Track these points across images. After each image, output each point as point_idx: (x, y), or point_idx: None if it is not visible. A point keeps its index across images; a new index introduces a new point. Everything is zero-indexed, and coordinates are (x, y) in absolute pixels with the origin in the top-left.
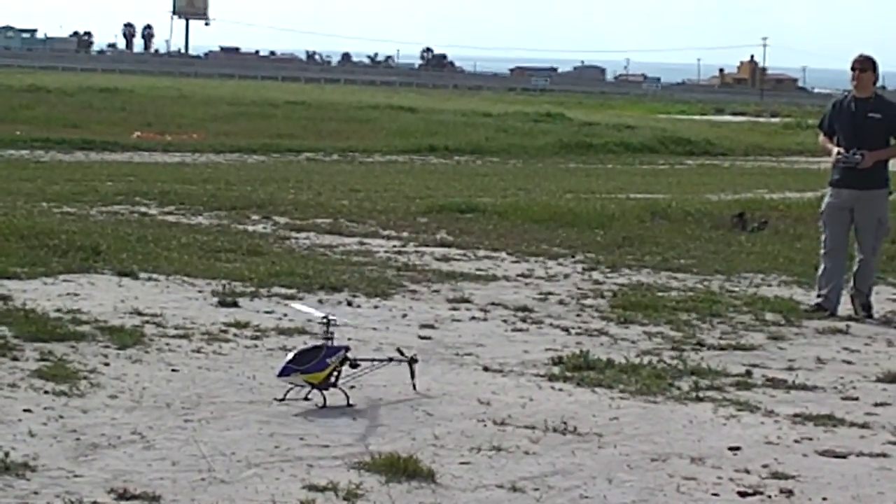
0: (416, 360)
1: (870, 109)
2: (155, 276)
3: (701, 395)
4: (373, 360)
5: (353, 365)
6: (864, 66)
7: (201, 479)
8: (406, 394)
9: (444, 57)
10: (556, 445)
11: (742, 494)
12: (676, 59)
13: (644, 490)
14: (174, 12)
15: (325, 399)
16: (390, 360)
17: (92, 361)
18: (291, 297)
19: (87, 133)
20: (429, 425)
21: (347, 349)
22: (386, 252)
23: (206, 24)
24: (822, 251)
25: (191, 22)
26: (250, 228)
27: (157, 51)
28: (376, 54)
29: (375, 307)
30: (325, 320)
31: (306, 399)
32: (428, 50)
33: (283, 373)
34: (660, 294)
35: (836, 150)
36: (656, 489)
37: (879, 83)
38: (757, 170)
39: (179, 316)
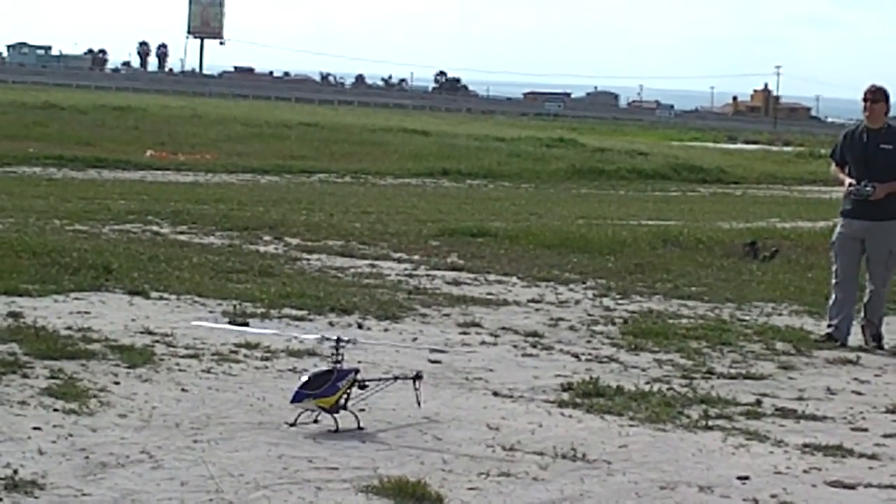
0: (420, 377)
1: (881, 140)
2: (166, 295)
3: (710, 423)
4: (379, 379)
5: (362, 386)
6: (877, 96)
7: (209, 499)
8: (415, 417)
9: (457, 81)
10: (564, 472)
11: None
12: (690, 87)
13: None
14: (189, 32)
15: (337, 423)
16: (396, 378)
17: (102, 380)
18: (302, 319)
19: (100, 151)
20: (438, 450)
21: (357, 371)
22: (397, 275)
23: (221, 43)
24: (833, 281)
25: (205, 41)
26: (262, 249)
27: (171, 70)
28: (390, 77)
29: (386, 330)
30: (336, 343)
31: (316, 422)
32: (442, 73)
33: (296, 398)
34: (670, 321)
35: (847, 181)
36: None
37: (892, 114)
38: (769, 198)
39: (190, 336)
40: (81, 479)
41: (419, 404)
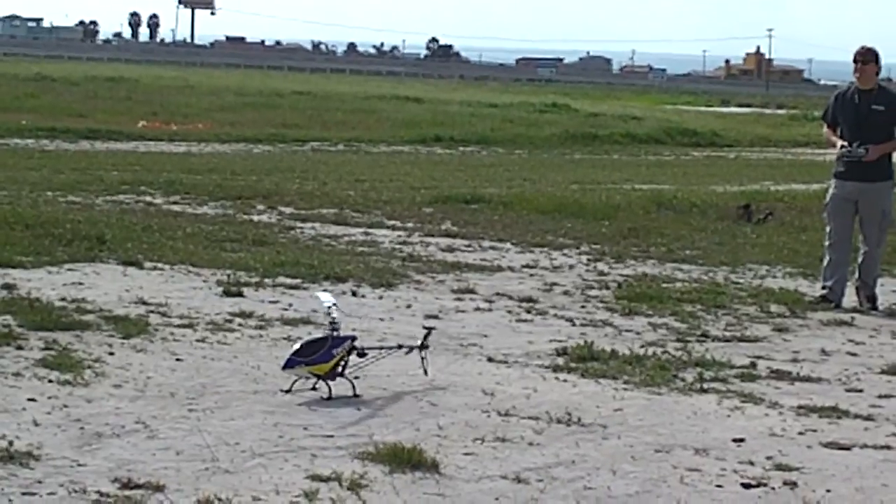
0: (426, 347)
1: (873, 101)
2: (160, 265)
3: (705, 386)
4: (381, 348)
5: (361, 354)
6: (867, 57)
7: (205, 468)
8: (410, 384)
9: (450, 47)
10: (559, 436)
11: (746, 486)
12: (682, 50)
13: (648, 481)
14: (180, 2)
15: (330, 390)
16: (399, 347)
17: (96, 351)
18: (296, 288)
19: (93, 122)
20: (433, 416)
21: (354, 339)
22: (391, 242)
23: (212, 13)
24: (826, 243)
25: (196, 11)
26: (255, 218)
27: (162, 40)
28: (382, 44)
29: (380, 297)
30: (330, 309)
31: (313, 389)
32: (434, 40)
33: (288, 365)
34: (665, 285)
35: (840, 143)
36: (660, 480)
37: (885, 75)
38: (763, 161)
39: (184, 305)
40: (77, 449)
41: (426, 372)
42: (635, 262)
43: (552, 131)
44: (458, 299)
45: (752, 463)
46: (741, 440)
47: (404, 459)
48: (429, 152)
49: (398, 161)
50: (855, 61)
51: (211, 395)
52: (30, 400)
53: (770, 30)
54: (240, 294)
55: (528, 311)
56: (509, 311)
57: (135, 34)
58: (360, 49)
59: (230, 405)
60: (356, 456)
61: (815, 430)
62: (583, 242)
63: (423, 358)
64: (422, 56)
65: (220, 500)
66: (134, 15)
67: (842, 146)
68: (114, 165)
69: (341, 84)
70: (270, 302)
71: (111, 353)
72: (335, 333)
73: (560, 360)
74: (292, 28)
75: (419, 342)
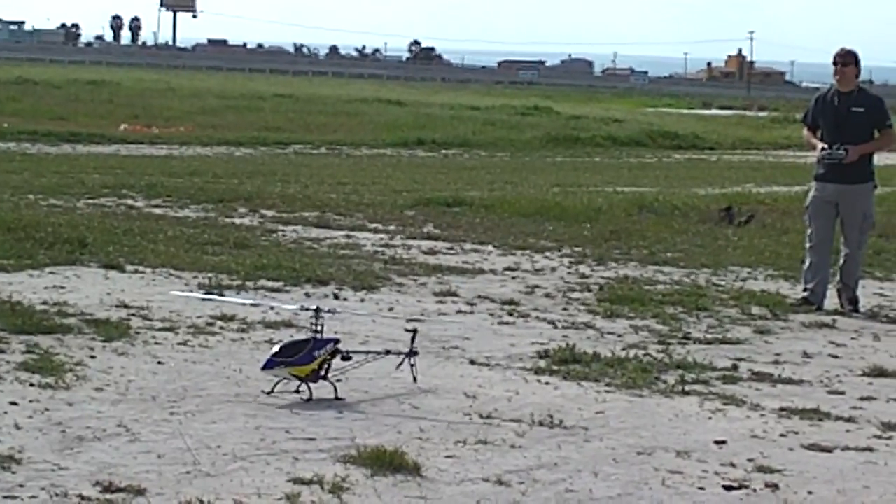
0: (416, 353)
1: (853, 103)
2: (141, 268)
3: (687, 388)
4: (367, 352)
5: (346, 357)
6: (847, 60)
7: (186, 472)
8: (392, 386)
9: (432, 50)
10: (541, 439)
11: (727, 488)
12: (664, 53)
13: (630, 483)
14: (162, 4)
15: (310, 392)
16: (387, 352)
17: (78, 354)
18: (278, 291)
19: (75, 125)
20: (415, 419)
21: (337, 341)
22: (373, 245)
23: (194, 16)
24: (807, 245)
25: (178, 14)
26: (237, 221)
27: (144, 43)
28: (364, 47)
29: (362, 300)
30: (314, 312)
31: (296, 392)
32: (416, 43)
33: (268, 366)
34: (646, 288)
35: (820, 145)
36: (642, 483)
37: (867, 77)
38: (744, 164)
39: (165, 309)
40: (58, 453)
41: (415, 379)
42: (617, 264)
43: (534, 134)
44: (440, 302)
45: (733, 465)
46: (723, 442)
47: (386, 462)
48: (411, 155)
49: (380, 164)
50: (835, 63)
51: (192, 399)
52: (11, 404)
53: (751, 32)
54: (221, 297)
55: (510, 314)
56: (491, 314)
57: (116, 37)
58: (343, 52)
59: (212, 408)
60: (338, 459)
61: (796, 432)
62: (564, 245)
63: (412, 365)
64: (404, 59)
65: (201, 503)
66: (116, 18)
67: (822, 148)
68: (95, 168)
69: (323, 87)
70: (252, 305)
71: (93, 357)
72: (318, 336)
73: (542, 363)
74: (274, 31)
75: (407, 349)
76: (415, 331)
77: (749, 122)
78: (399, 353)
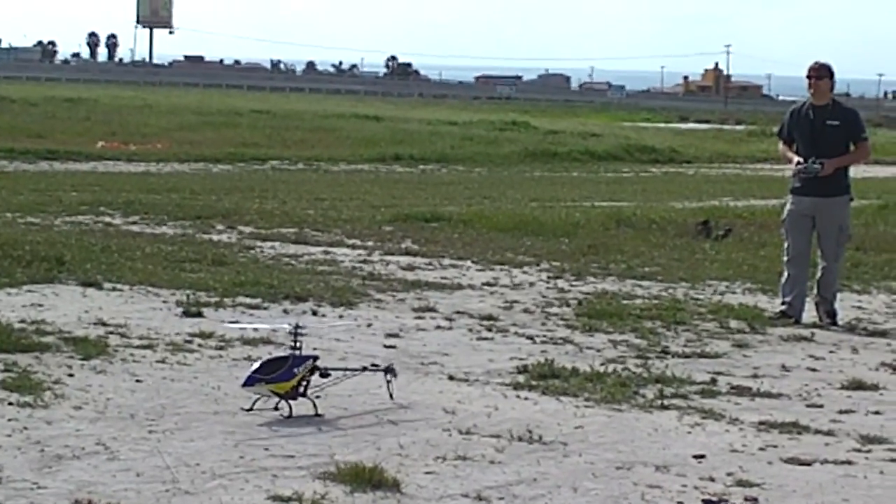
0: (392, 370)
1: (828, 117)
2: (119, 286)
3: (666, 403)
4: (345, 369)
5: (324, 374)
6: (821, 73)
7: (165, 490)
8: (371, 403)
9: (409, 65)
10: (521, 454)
11: (707, 502)
12: (641, 67)
13: (609, 498)
14: (138, 21)
15: (290, 409)
16: (364, 369)
17: (56, 372)
18: (256, 307)
19: (52, 143)
20: (394, 435)
21: (316, 358)
22: (351, 261)
23: (171, 32)
24: (785, 258)
25: (155, 31)
26: (215, 238)
27: (121, 60)
28: (341, 63)
29: (340, 316)
30: (293, 330)
31: (275, 409)
32: (393, 58)
33: (248, 383)
34: (625, 302)
35: (796, 158)
36: (621, 497)
37: (844, 91)
38: (721, 177)
39: (144, 326)
40: (37, 471)
41: (391, 396)
42: (595, 279)
43: (511, 149)
44: (419, 318)
45: (712, 479)
46: (702, 456)
47: (365, 479)
48: (388, 171)
49: (358, 179)
50: (809, 77)
51: (171, 416)
52: None
53: (728, 46)
54: (199, 314)
55: (489, 329)
56: (470, 330)
57: (93, 54)
58: (320, 68)
59: (190, 426)
60: (317, 476)
61: (775, 446)
62: (543, 260)
63: (388, 381)
64: (381, 74)
65: None
66: (92, 35)
67: (798, 162)
68: (73, 186)
69: (300, 103)
70: (230, 322)
71: (71, 375)
72: (297, 353)
73: (521, 378)
74: (251, 47)
75: (385, 366)
76: (391, 369)
77: (726, 136)
78: (376, 370)
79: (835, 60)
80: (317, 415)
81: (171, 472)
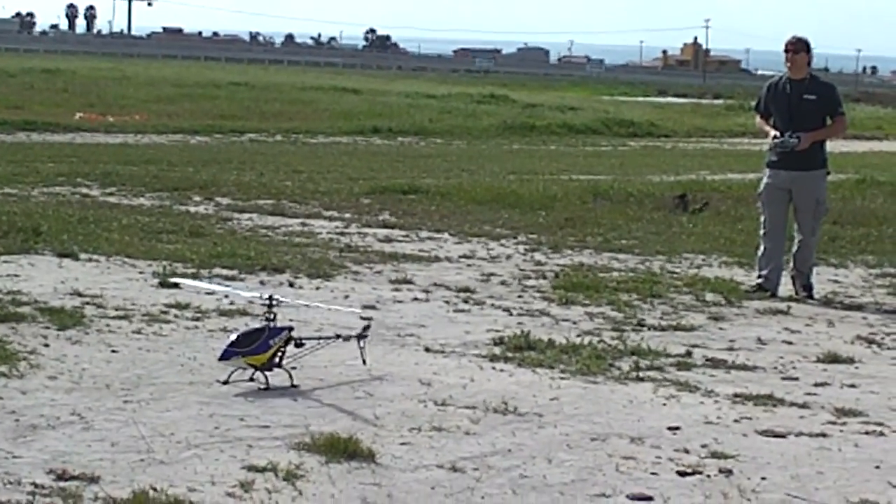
0: (365, 336)
1: (805, 91)
2: (95, 257)
3: (641, 375)
4: (319, 338)
5: (299, 344)
6: (798, 47)
7: (140, 459)
8: (347, 374)
9: (387, 38)
10: (496, 425)
11: (681, 474)
12: (620, 41)
13: (583, 469)
14: None
15: (267, 380)
16: (338, 337)
17: (32, 342)
18: (233, 279)
19: (29, 114)
20: (369, 406)
21: (291, 329)
22: (328, 233)
23: (149, 4)
24: (761, 232)
25: (133, 3)
26: (192, 209)
27: (99, 32)
28: (320, 35)
29: (317, 288)
30: (267, 301)
31: (251, 380)
32: (372, 31)
33: (225, 356)
34: (601, 275)
35: (773, 132)
36: (596, 469)
37: (822, 66)
38: (699, 151)
39: (120, 297)
40: (12, 441)
41: (364, 362)
42: (572, 251)
43: (490, 122)
44: (396, 290)
45: (687, 451)
46: (676, 428)
47: (340, 449)
48: (367, 143)
49: (336, 152)
50: (786, 51)
51: (146, 387)
52: None
53: (707, 20)
54: (176, 285)
55: (466, 302)
56: (447, 302)
57: (71, 26)
58: (298, 40)
59: (166, 396)
60: (292, 446)
61: (750, 418)
62: (520, 232)
63: (361, 347)
64: (360, 47)
65: (155, 491)
66: (71, 6)
67: (774, 136)
68: (50, 157)
69: (279, 75)
70: (206, 293)
71: (46, 345)
72: (272, 324)
73: (497, 350)
74: (230, 19)
75: (357, 332)
76: (368, 324)
77: (704, 110)
78: (349, 337)
79: (813, 36)
80: (293, 386)
81: (146, 442)
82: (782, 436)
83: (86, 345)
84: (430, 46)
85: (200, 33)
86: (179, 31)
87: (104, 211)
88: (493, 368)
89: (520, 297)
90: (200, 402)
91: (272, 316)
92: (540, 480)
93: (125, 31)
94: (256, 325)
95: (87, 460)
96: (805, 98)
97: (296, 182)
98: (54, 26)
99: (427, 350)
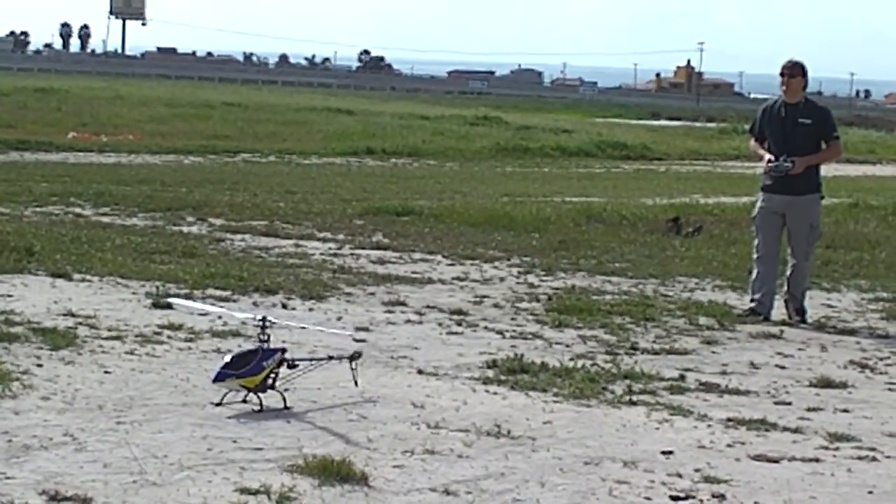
0: (357, 357)
1: (800, 115)
2: (89, 277)
3: (634, 398)
4: (312, 359)
5: (292, 365)
6: (794, 71)
7: (133, 481)
8: (340, 396)
9: (381, 59)
10: (489, 449)
11: (674, 498)
12: (613, 64)
13: (576, 494)
14: (111, 12)
15: (261, 402)
16: (330, 358)
17: (24, 363)
18: (226, 300)
19: (23, 133)
20: (362, 428)
21: (284, 350)
22: (322, 254)
23: (143, 24)
24: (754, 256)
25: (128, 22)
26: (185, 230)
27: (93, 51)
28: (314, 56)
29: (310, 310)
30: (261, 322)
31: (244, 401)
32: (366, 52)
33: (219, 378)
34: (594, 298)
35: (767, 156)
36: (589, 493)
37: (816, 89)
38: (692, 174)
39: (113, 317)
40: (4, 461)
41: (356, 383)
42: (565, 274)
43: (483, 144)
44: (389, 311)
45: (680, 475)
46: (670, 452)
47: (333, 472)
48: (360, 164)
49: (329, 173)
50: (782, 75)
51: (139, 408)
52: None
53: (701, 43)
54: (169, 306)
55: (459, 324)
56: (440, 324)
57: (66, 45)
58: (292, 61)
59: (158, 418)
60: (285, 469)
61: (743, 443)
62: (513, 255)
63: (353, 369)
64: (353, 68)
65: None
66: (65, 26)
67: (769, 160)
68: (43, 177)
69: (273, 95)
70: (200, 314)
71: (39, 366)
72: (265, 346)
73: (490, 373)
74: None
75: (349, 353)
76: (359, 353)
77: (697, 133)
78: (341, 358)
79: (807, 59)
80: (286, 408)
81: (139, 464)
82: (775, 460)
83: (79, 365)
84: (423, 68)
85: (194, 53)
86: (173, 50)
87: (97, 231)
88: (486, 391)
89: (513, 319)
90: (193, 423)
91: (266, 337)
92: None
93: (119, 50)
94: (250, 346)
95: (79, 481)
96: (800, 122)
97: (289, 203)
98: (48, 45)
99: (420, 372)
